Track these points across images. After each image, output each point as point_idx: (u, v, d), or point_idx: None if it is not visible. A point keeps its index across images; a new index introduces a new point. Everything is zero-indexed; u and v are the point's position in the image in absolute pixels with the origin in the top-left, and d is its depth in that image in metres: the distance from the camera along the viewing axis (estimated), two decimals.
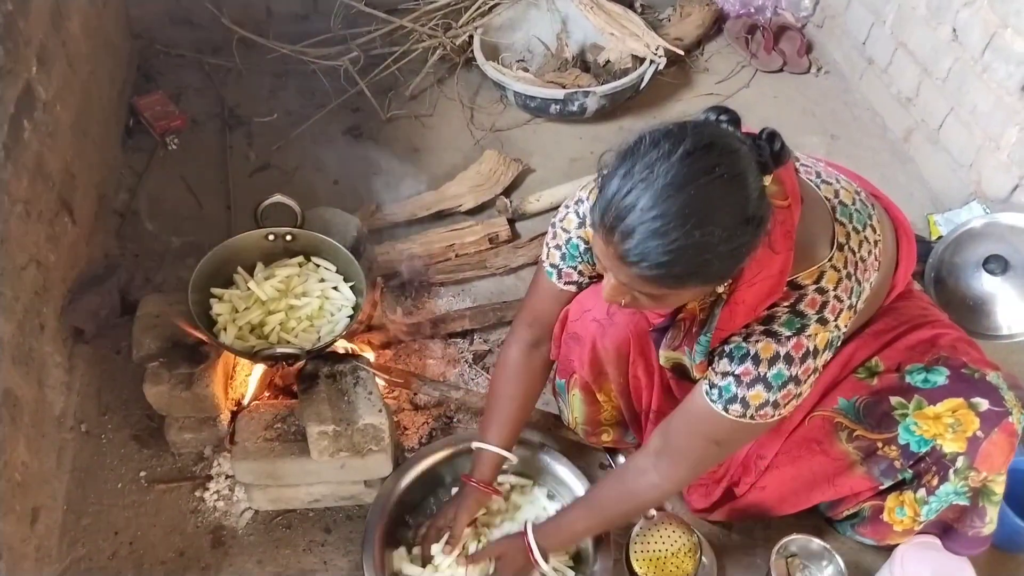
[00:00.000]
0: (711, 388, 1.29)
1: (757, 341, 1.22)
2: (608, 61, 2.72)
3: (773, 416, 1.27)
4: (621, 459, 1.81)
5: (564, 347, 1.56)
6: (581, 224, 1.40)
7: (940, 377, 1.41)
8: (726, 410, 1.27)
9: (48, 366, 1.75)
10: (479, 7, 2.78)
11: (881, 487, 1.49)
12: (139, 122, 2.53)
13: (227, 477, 1.74)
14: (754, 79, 2.89)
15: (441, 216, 2.33)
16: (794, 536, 1.54)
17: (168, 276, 2.10)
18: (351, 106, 2.67)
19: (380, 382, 1.72)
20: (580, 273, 1.46)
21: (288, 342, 1.64)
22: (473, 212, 2.36)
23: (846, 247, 1.24)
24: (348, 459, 1.60)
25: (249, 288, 1.69)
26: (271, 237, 1.77)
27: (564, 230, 1.42)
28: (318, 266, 1.81)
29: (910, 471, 1.45)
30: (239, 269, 1.73)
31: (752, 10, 3.00)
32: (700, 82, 2.88)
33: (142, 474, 1.77)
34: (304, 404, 1.58)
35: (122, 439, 1.83)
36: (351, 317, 1.69)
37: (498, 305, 2.09)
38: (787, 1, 3.03)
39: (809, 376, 1.25)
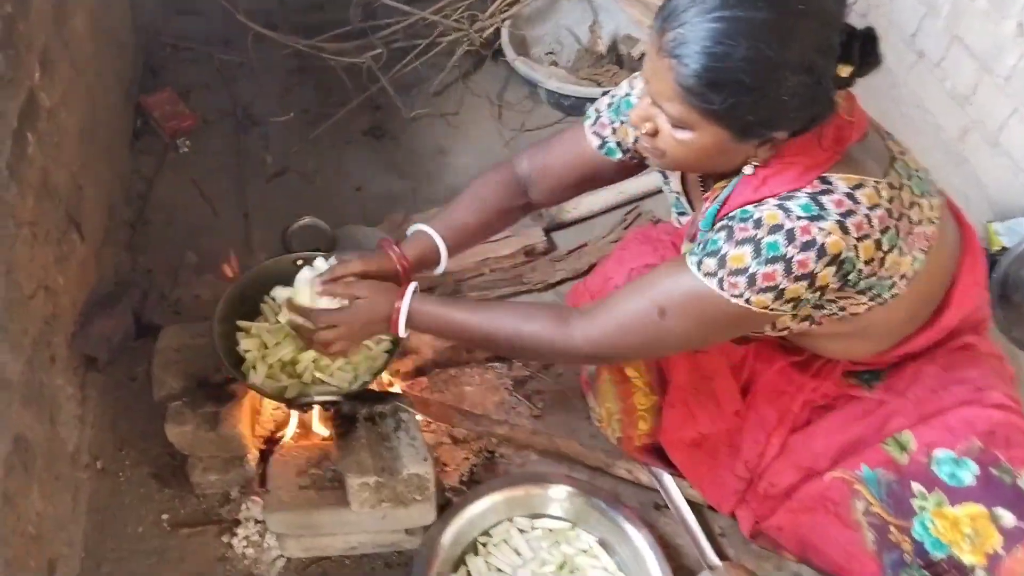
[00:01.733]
0: (693, 244, 1.17)
1: (764, 208, 1.10)
2: (643, 54, 2.56)
3: (739, 297, 1.09)
4: (668, 479, 1.69)
5: None
6: None
7: (967, 475, 1.23)
8: (699, 265, 1.12)
9: (60, 400, 1.62)
10: None
11: (886, 570, 1.32)
12: (147, 122, 2.38)
13: (256, 522, 1.62)
14: None
15: None
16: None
17: (184, 294, 1.96)
18: (371, 104, 2.51)
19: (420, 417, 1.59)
20: (614, 131, 1.36)
21: (323, 381, 1.50)
22: None
23: (897, 192, 1.13)
24: (390, 509, 1.48)
25: (279, 321, 1.55)
26: (300, 263, 1.62)
27: (628, 87, 1.35)
28: None
29: (926, 573, 1.27)
30: (267, 298, 1.59)
31: None
32: None
33: (164, 516, 1.64)
34: (343, 452, 1.45)
35: (141, 477, 1.70)
36: (390, 352, 1.55)
37: None
38: None
39: (801, 280, 1.08)
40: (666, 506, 1.71)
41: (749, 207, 1.11)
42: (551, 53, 2.66)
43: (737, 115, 1.03)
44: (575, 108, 2.46)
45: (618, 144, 1.36)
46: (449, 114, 2.53)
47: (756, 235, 1.08)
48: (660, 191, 2.30)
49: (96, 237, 1.94)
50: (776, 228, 1.07)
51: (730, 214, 1.13)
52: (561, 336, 1.23)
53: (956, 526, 1.23)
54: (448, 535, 1.52)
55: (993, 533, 1.20)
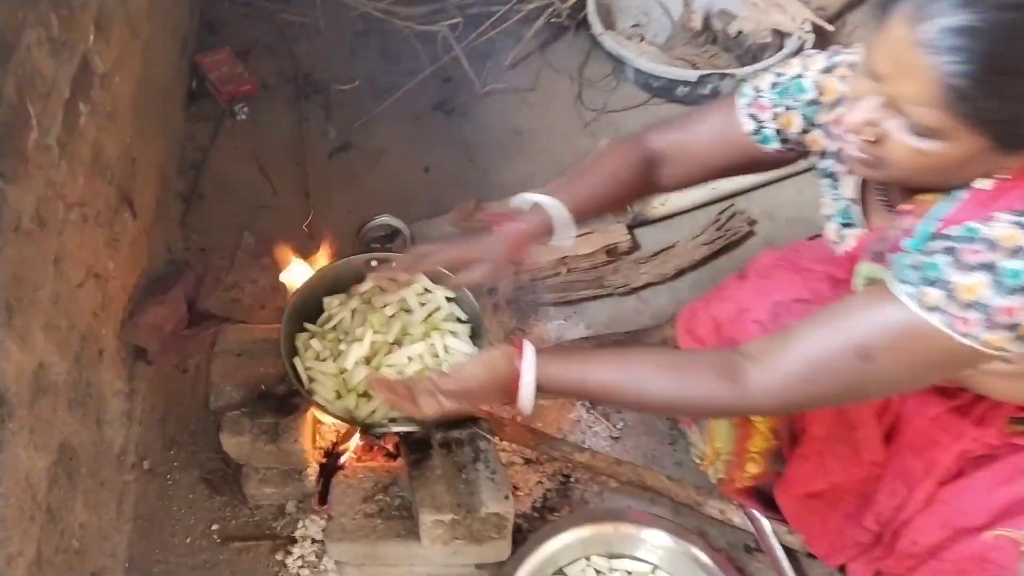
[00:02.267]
0: (904, 270, 0.94)
1: (998, 225, 0.90)
2: (740, 32, 2.33)
3: (970, 336, 0.89)
4: (765, 524, 1.53)
5: None
6: (828, 71, 1.11)
7: None
8: (917, 296, 0.91)
9: (106, 397, 1.49)
10: None
11: None
12: (203, 85, 2.21)
13: (314, 541, 1.49)
14: None
15: None
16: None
17: (241, 278, 1.82)
18: (441, 75, 2.31)
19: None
20: (775, 117, 1.15)
21: None
22: None
23: None
24: (463, 546, 1.33)
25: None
26: (374, 263, 1.46)
27: (801, 67, 1.14)
28: (426, 290, 1.49)
29: None
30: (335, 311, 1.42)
31: None
32: None
33: (214, 527, 1.52)
34: (416, 483, 1.30)
35: (190, 481, 1.58)
36: None
37: (620, 336, 1.78)
38: None
39: None
40: (757, 549, 1.56)
41: (974, 224, 0.91)
42: (637, 26, 2.43)
43: (1014, 124, 0.85)
44: (665, 90, 2.25)
45: (777, 132, 1.16)
46: (525, 90, 2.33)
47: (992, 259, 0.88)
48: (754, 189, 2.10)
49: (148, 214, 1.80)
50: (1017, 251, 0.88)
51: (946, 232, 0.93)
52: (733, 393, 1.02)
53: None
54: (522, 574, 1.38)
55: None
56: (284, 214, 1.98)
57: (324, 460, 1.50)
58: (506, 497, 1.30)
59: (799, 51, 2.24)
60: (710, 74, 2.14)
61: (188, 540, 1.51)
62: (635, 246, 1.99)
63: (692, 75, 2.15)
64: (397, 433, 1.31)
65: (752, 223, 2.03)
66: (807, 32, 2.24)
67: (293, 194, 2.04)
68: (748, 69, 2.16)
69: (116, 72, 1.63)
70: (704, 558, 1.43)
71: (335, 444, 1.53)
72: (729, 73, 2.15)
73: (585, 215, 1.23)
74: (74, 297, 1.38)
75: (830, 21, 2.49)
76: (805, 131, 1.14)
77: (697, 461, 1.51)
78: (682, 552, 1.44)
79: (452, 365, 1.16)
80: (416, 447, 1.35)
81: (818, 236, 1.45)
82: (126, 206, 1.65)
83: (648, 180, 1.26)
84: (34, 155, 1.25)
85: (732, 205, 2.03)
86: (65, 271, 1.34)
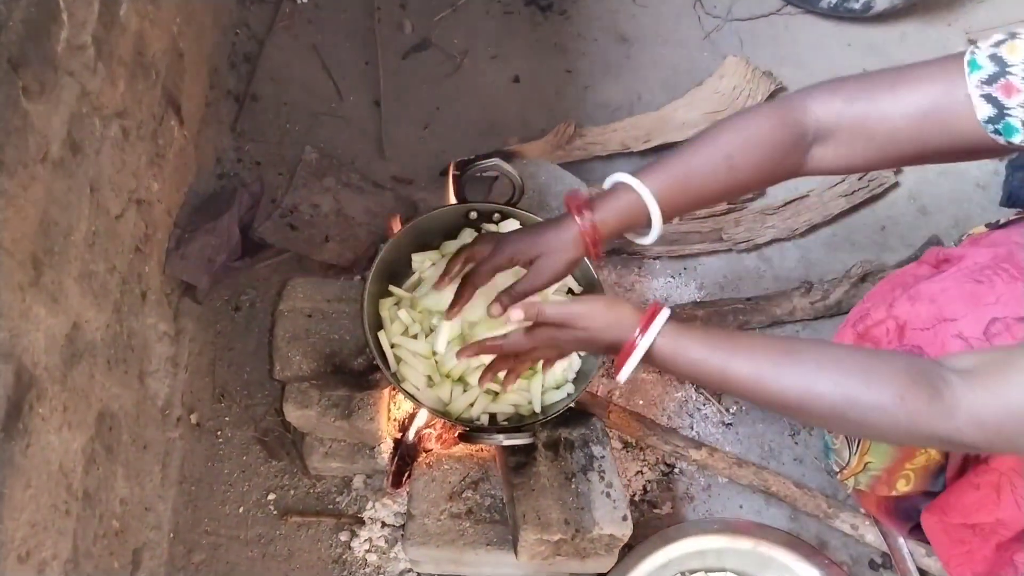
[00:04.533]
0: None
1: None
2: None
3: None
4: (902, 543, 1.33)
5: None
6: None
7: None
8: None
9: (150, 343, 1.28)
10: None
11: None
12: None
13: (384, 525, 1.30)
14: None
15: (663, 151, 1.70)
16: None
17: (301, 200, 1.55)
18: None
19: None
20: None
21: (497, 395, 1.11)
22: None
23: None
24: (565, 561, 1.14)
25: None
26: (473, 215, 1.19)
27: None
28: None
29: None
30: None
31: None
32: None
33: (271, 497, 1.34)
34: (517, 491, 1.09)
35: (243, 441, 1.38)
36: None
37: (740, 303, 1.52)
38: None
39: None
40: (883, 565, 1.36)
41: None
42: None
43: None
44: None
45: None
46: None
47: None
48: None
49: (195, 117, 1.52)
50: None
51: None
52: (933, 409, 0.79)
53: None
54: None
55: None
56: (352, 123, 1.69)
57: (399, 435, 1.29)
58: (625, 518, 1.09)
59: None
60: None
61: (241, 510, 1.33)
62: (761, 192, 1.69)
63: None
64: (504, 445, 1.08)
65: (898, 172, 1.72)
66: None
67: (363, 99, 1.74)
68: None
69: None
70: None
71: (412, 417, 1.32)
72: None
73: (690, 208, 0.99)
74: (113, 232, 1.14)
75: None
76: None
77: (836, 469, 1.29)
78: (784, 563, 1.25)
79: (571, 303, 0.93)
80: (519, 448, 1.13)
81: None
82: (172, 112, 1.38)
83: (795, 163, 0.98)
84: (65, 59, 0.98)
85: None
86: (103, 202, 1.10)
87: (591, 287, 1.21)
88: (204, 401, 1.41)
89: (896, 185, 1.71)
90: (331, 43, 1.80)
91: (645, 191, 0.95)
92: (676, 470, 1.41)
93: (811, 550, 1.26)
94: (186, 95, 1.45)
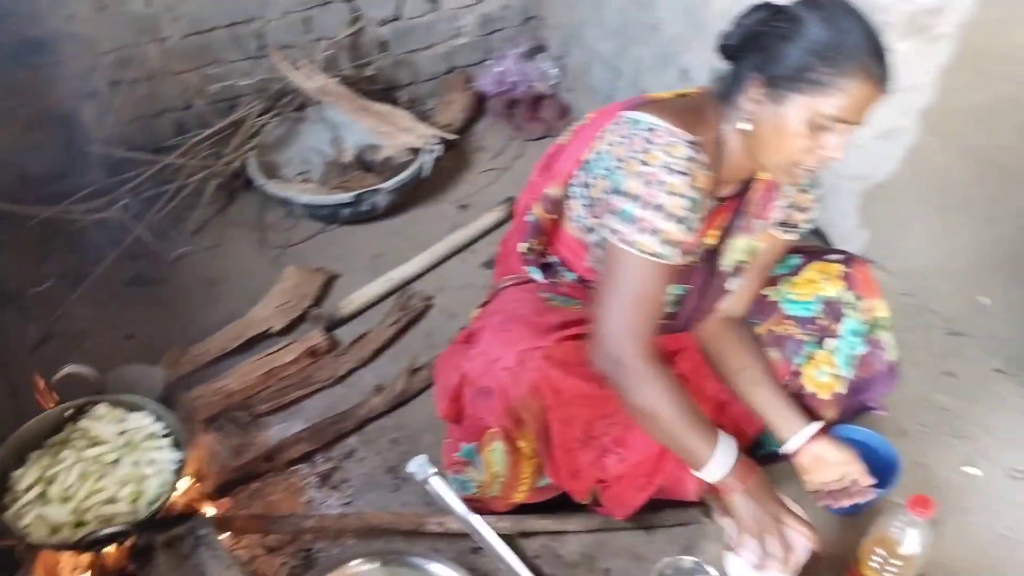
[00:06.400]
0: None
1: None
2: (388, 157, 2.80)
3: None
4: (475, 519, 1.75)
5: (470, 408, 1.53)
6: (693, 160, 1.33)
7: (795, 259, 1.67)
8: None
9: None
10: (247, 131, 2.77)
11: (795, 367, 1.64)
12: None
13: None
14: (525, 149, 3.08)
15: (253, 344, 2.26)
16: (665, 560, 1.59)
17: None
18: (131, 255, 2.54)
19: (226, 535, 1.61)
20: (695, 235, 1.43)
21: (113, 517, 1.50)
22: (286, 331, 2.30)
23: None
24: None
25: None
26: (69, 412, 1.63)
27: (677, 194, 1.31)
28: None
29: (814, 335, 1.62)
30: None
31: (507, 87, 3.21)
32: (477, 160, 3.02)
33: None
34: None
35: None
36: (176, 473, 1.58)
37: (333, 419, 2.03)
38: (536, 73, 3.27)
39: None
40: (480, 548, 1.79)
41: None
42: (303, 173, 2.83)
43: None
44: (332, 216, 2.64)
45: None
46: (212, 247, 2.61)
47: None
48: (424, 273, 2.48)
49: None
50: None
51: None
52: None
53: (810, 281, 1.62)
54: None
55: (835, 266, 1.62)
56: None
57: None
58: (229, 566, 1.47)
59: (435, 158, 2.73)
60: (363, 192, 2.56)
61: None
62: (334, 344, 2.28)
63: (348, 197, 2.56)
64: (110, 536, 1.44)
65: (429, 298, 2.41)
66: (435, 143, 2.75)
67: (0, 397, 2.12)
68: (391, 183, 2.61)
69: None
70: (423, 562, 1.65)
71: None
72: (378, 188, 2.59)
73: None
74: None
75: (459, 133, 3.06)
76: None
77: (475, 491, 1.69)
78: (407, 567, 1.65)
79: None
80: (140, 556, 1.49)
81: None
82: None
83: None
84: None
85: (408, 289, 2.41)
86: None
87: (175, 429, 1.65)
88: None
89: (430, 306, 2.39)
90: None
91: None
92: (314, 551, 1.79)
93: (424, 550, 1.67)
94: None
